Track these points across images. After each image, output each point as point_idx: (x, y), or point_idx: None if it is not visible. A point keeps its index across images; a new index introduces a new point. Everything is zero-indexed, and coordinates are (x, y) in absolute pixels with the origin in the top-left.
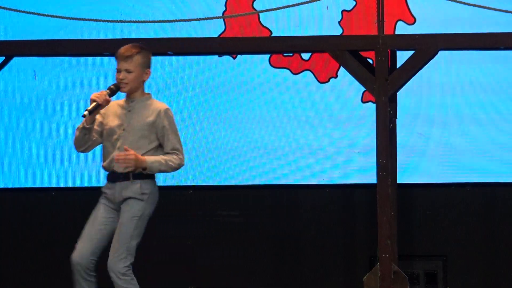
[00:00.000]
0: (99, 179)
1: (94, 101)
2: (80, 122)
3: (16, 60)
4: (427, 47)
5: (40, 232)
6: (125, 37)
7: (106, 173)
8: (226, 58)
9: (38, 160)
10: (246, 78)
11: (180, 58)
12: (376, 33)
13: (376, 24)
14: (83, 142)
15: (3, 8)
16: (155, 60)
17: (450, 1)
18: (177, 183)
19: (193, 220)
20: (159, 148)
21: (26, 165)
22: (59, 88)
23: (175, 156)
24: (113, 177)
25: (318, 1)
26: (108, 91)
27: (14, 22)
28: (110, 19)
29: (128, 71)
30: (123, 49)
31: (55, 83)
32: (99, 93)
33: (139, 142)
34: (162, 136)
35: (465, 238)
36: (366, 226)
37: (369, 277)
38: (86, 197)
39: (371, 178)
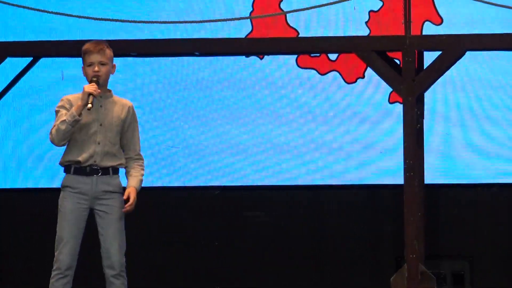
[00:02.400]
0: None
1: (90, 93)
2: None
3: (44, 61)
4: (454, 47)
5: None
6: (152, 37)
7: (75, 166)
8: (253, 58)
9: None
10: (273, 78)
11: (207, 58)
12: (403, 34)
13: (403, 24)
14: (69, 135)
15: (29, 8)
16: (184, 59)
17: (477, 1)
18: (203, 184)
19: (219, 221)
20: None
21: (55, 164)
22: None
23: (142, 169)
24: (91, 171)
25: (345, 2)
26: (94, 83)
27: (41, 23)
28: (136, 19)
29: (102, 63)
30: (92, 44)
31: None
32: (91, 85)
33: (116, 137)
34: (127, 133)
35: (492, 239)
36: (393, 227)
37: (396, 278)
38: None
39: (398, 178)
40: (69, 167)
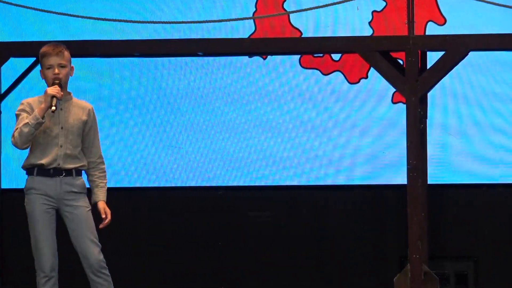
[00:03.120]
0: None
1: (53, 96)
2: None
3: None
4: (457, 47)
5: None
6: (155, 37)
7: (36, 168)
8: (256, 58)
9: None
10: (276, 78)
11: (211, 58)
12: (407, 34)
13: (407, 24)
14: (32, 137)
15: (29, 8)
16: (188, 60)
17: (480, 2)
18: (206, 184)
19: (223, 221)
20: None
21: None
22: (93, 89)
23: (103, 173)
24: (55, 172)
25: (348, 2)
26: (57, 86)
27: (44, 23)
28: (139, 19)
29: (61, 66)
30: (51, 46)
31: (91, 84)
32: (54, 88)
33: (77, 140)
34: (88, 135)
35: (496, 239)
36: (396, 227)
37: (400, 278)
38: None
39: (401, 178)
40: (32, 169)
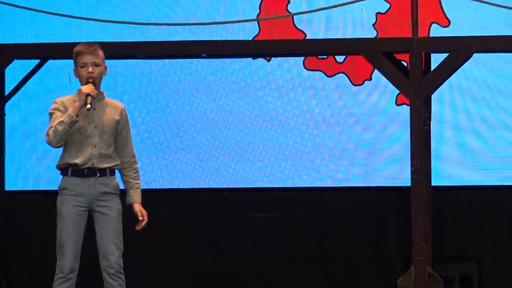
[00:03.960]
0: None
1: (88, 94)
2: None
3: (51, 63)
4: (461, 49)
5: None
6: (159, 39)
7: (73, 168)
8: (260, 60)
9: None
10: (280, 80)
11: (215, 60)
12: (411, 36)
13: (411, 26)
14: (66, 136)
15: (31, 9)
16: (192, 61)
17: (484, 3)
18: (211, 186)
19: (226, 222)
20: None
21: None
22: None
23: (137, 173)
24: (89, 172)
25: (352, 4)
26: (91, 84)
27: (49, 25)
28: (145, 22)
29: (95, 65)
30: (85, 45)
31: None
32: (89, 86)
33: (111, 139)
34: (121, 135)
35: (500, 241)
36: (400, 229)
37: (404, 280)
38: None
39: (405, 180)
40: (66, 169)
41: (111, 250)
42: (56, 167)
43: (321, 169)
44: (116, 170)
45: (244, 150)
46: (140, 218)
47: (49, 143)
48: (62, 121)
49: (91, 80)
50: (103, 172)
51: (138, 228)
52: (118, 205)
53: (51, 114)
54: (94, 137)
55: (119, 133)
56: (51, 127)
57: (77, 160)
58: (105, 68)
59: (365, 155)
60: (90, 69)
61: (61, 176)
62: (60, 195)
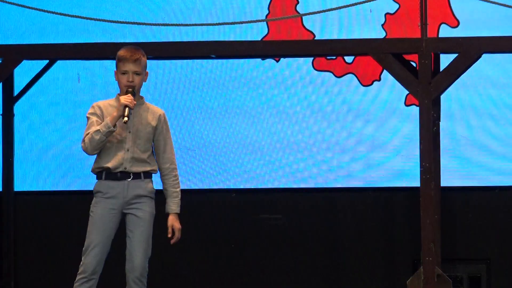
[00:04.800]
0: None
1: (126, 105)
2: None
3: (60, 64)
4: (470, 50)
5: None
6: (167, 40)
7: (104, 172)
8: (269, 61)
9: (84, 163)
10: (289, 81)
11: (224, 60)
12: (420, 36)
13: (420, 27)
14: (102, 145)
15: (35, 9)
16: (200, 62)
17: (493, 4)
18: (220, 186)
19: (235, 223)
20: None
21: (73, 168)
22: (103, 91)
23: (177, 180)
24: (122, 175)
25: (361, 4)
26: (131, 95)
27: (57, 26)
28: (151, 22)
29: (136, 73)
30: (129, 51)
31: (99, 86)
32: (127, 97)
33: (146, 145)
34: (158, 141)
35: (509, 242)
36: (409, 229)
37: (413, 281)
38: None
39: (414, 181)
40: (100, 173)
41: (138, 254)
42: (91, 171)
43: (328, 170)
44: (153, 175)
45: (252, 147)
46: (169, 235)
47: (85, 150)
48: (99, 130)
49: (130, 89)
50: (137, 175)
51: (171, 242)
52: (151, 209)
53: (87, 119)
54: (128, 142)
55: (156, 139)
56: (88, 133)
57: (109, 164)
58: (146, 74)
59: (373, 155)
60: (131, 78)
61: (95, 180)
62: (94, 197)
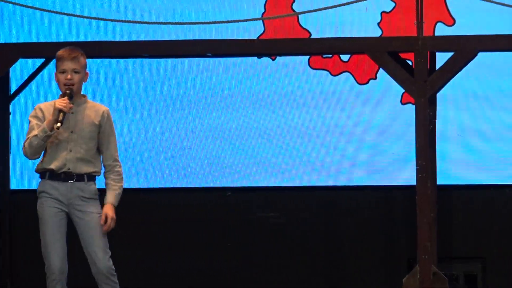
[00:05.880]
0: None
1: (60, 110)
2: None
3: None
4: (466, 48)
5: None
6: (163, 38)
7: (48, 173)
8: (265, 59)
9: None
10: (285, 79)
11: (220, 59)
12: (415, 35)
13: (416, 25)
14: (41, 149)
15: (34, 8)
16: (201, 60)
17: (489, 2)
18: (216, 185)
19: (231, 222)
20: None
21: None
22: (105, 91)
23: (119, 176)
24: (66, 177)
25: (357, 3)
26: (67, 97)
27: (53, 24)
28: (148, 20)
29: (75, 71)
30: (67, 51)
31: (101, 86)
32: (62, 101)
33: (89, 143)
34: (102, 138)
35: (505, 240)
36: (405, 228)
37: (409, 279)
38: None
39: (410, 179)
40: (44, 173)
41: (97, 255)
42: (35, 171)
43: (324, 169)
44: (96, 177)
45: (250, 148)
46: (102, 222)
47: (25, 155)
48: (37, 135)
49: (68, 92)
50: (80, 177)
51: (104, 229)
52: (98, 209)
53: (29, 121)
54: (70, 142)
55: (100, 137)
56: (27, 139)
57: (53, 166)
58: (86, 74)
59: (369, 154)
60: (69, 76)
61: (38, 179)
62: (39, 198)
